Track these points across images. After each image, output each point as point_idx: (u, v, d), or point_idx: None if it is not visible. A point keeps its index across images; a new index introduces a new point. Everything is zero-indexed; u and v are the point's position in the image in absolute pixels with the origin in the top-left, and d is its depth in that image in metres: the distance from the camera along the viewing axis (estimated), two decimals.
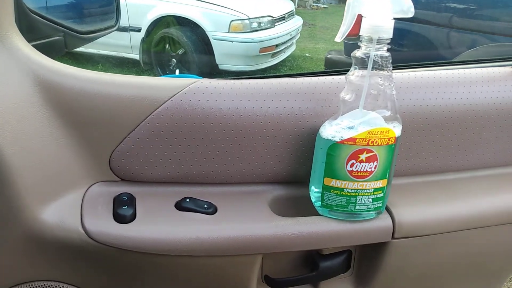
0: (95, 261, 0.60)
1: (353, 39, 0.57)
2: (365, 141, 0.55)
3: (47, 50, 0.61)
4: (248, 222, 0.60)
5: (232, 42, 3.51)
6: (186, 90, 0.60)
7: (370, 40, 0.54)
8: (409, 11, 0.53)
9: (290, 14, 4.15)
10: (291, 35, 4.01)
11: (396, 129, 0.57)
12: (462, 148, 0.71)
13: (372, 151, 0.56)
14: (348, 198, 0.58)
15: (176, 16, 3.58)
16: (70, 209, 0.58)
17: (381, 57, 0.54)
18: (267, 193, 0.65)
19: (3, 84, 0.52)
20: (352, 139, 0.56)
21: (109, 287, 0.64)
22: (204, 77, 0.64)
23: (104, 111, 0.58)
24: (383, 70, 0.55)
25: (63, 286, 0.62)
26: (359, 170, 0.57)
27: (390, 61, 0.55)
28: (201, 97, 0.60)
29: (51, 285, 0.61)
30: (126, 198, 0.60)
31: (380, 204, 0.60)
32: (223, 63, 3.58)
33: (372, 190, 0.58)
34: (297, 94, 0.62)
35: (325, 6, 8.21)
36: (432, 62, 0.89)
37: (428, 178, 0.71)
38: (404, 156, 0.68)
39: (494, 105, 0.69)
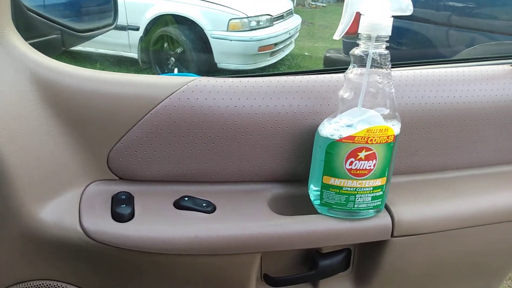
0: (93, 260, 0.59)
1: (351, 38, 0.57)
2: (364, 139, 0.55)
3: (45, 48, 0.61)
4: (247, 220, 0.60)
5: (230, 40, 3.51)
6: (184, 88, 0.59)
7: (369, 38, 0.54)
8: (408, 9, 0.53)
9: (289, 13, 4.14)
10: (289, 33, 4.01)
11: (395, 127, 0.57)
12: (461, 146, 0.71)
13: (371, 149, 0.56)
14: (347, 196, 0.58)
15: (175, 14, 3.58)
16: (68, 208, 0.58)
17: (380, 55, 0.54)
18: (266, 192, 0.65)
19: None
20: (351, 137, 0.55)
21: (107, 286, 0.63)
22: (202, 75, 0.63)
23: (101, 110, 0.58)
24: (381, 68, 0.55)
25: (61, 285, 0.62)
26: (358, 168, 0.57)
27: (389, 59, 0.55)
28: (199, 95, 0.59)
29: (50, 284, 0.61)
30: (124, 197, 0.60)
31: (379, 203, 0.60)
32: (222, 62, 3.58)
33: (371, 189, 0.58)
34: (295, 92, 0.62)
35: (324, 4, 8.20)
36: (430, 60, 0.89)
37: (427, 176, 0.71)
38: (403, 154, 0.68)
39: (493, 103, 0.69)
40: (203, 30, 3.50)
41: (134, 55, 3.69)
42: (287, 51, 4.14)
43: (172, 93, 0.59)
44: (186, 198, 0.61)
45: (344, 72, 0.58)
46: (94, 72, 0.59)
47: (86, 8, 0.89)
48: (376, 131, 0.55)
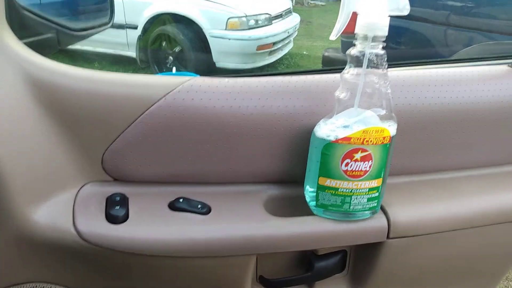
0: (87, 262, 0.59)
1: (350, 37, 0.56)
2: (360, 140, 0.55)
3: (40, 47, 0.60)
4: (242, 222, 0.59)
5: (229, 39, 3.50)
6: (180, 88, 0.59)
7: (365, 38, 0.53)
8: (405, 9, 0.53)
9: (288, 12, 4.14)
10: (288, 32, 4.00)
11: (391, 128, 0.56)
12: (458, 147, 0.70)
13: (367, 151, 0.56)
14: (343, 197, 0.58)
15: (173, 13, 3.57)
16: (62, 209, 0.57)
17: (376, 55, 0.54)
18: (262, 193, 0.65)
19: None
20: (347, 139, 0.55)
21: None
22: (201, 75, 0.63)
23: (96, 110, 0.57)
24: (378, 68, 0.54)
25: None
26: (354, 169, 0.56)
27: (385, 59, 0.55)
28: (195, 95, 0.59)
29: (44, 287, 0.61)
30: (118, 198, 0.60)
31: (375, 204, 0.60)
32: (220, 61, 3.57)
33: (367, 190, 0.58)
34: (291, 93, 0.61)
35: (323, 3, 8.19)
36: (428, 60, 0.89)
37: (424, 177, 0.71)
38: (399, 155, 0.68)
39: (491, 104, 0.69)
40: (201, 29, 3.49)
41: (132, 54, 3.68)
42: (285, 50, 4.14)
43: (167, 93, 0.58)
44: (181, 200, 0.61)
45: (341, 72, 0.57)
46: (88, 71, 0.59)
47: (82, 6, 0.88)
48: (372, 132, 0.55)
